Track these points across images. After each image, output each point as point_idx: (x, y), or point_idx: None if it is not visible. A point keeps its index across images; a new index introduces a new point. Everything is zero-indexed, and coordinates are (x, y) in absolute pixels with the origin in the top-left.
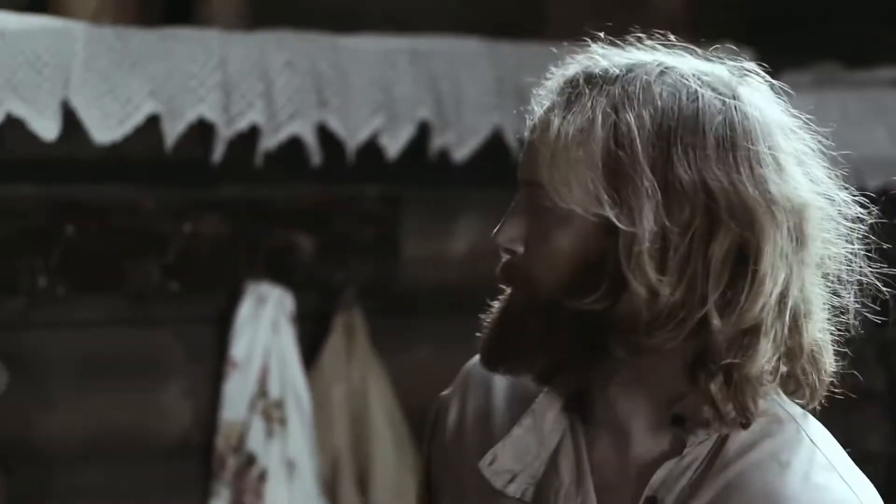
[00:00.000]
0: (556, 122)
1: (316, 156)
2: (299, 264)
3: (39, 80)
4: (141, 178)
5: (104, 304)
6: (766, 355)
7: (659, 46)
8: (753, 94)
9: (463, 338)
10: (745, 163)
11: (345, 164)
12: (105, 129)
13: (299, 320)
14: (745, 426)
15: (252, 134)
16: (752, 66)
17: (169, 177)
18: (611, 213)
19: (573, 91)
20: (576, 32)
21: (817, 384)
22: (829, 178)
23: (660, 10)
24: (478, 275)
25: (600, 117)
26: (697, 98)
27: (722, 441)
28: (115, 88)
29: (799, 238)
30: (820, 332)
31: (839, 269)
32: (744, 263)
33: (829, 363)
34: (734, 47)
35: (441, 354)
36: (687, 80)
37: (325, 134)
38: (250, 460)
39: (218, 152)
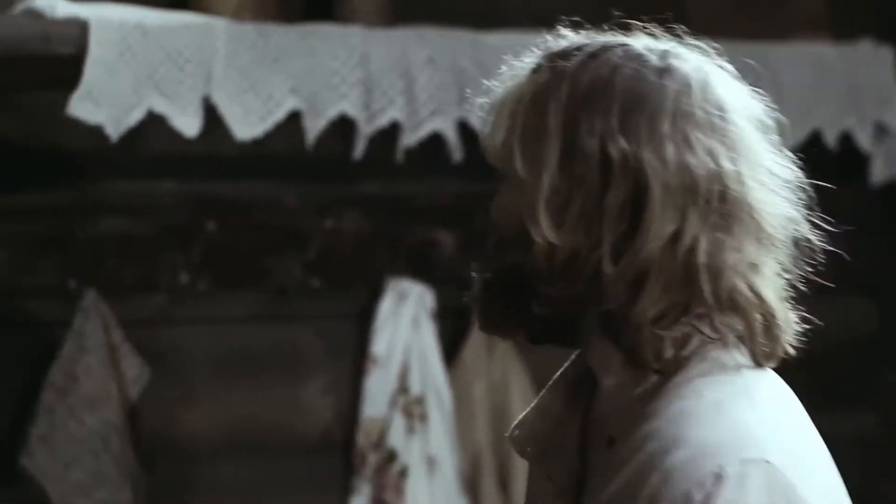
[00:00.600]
0: (502, 94)
1: (457, 152)
2: (440, 261)
3: (181, 77)
4: (282, 174)
5: (245, 300)
6: (652, 303)
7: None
8: (688, 70)
9: None
10: (646, 128)
11: (485, 161)
12: (246, 125)
13: (440, 317)
14: (658, 371)
15: (393, 130)
16: (711, 47)
17: (310, 173)
18: (520, 170)
19: (534, 68)
20: (716, 31)
21: (752, 338)
22: (774, 150)
23: (800, 7)
24: None
25: (533, 89)
26: (616, 71)
27: (666, 381)
28: (256, 85)
29: (696, 194)
30: (747, 289)
31: (776, 232)
32: (632, 217)
33: (763, 320)
34: (874, 45)
35: None
36: (616, 56)
37: (465, 130)
38: (391, 457)
39: (359, 149)
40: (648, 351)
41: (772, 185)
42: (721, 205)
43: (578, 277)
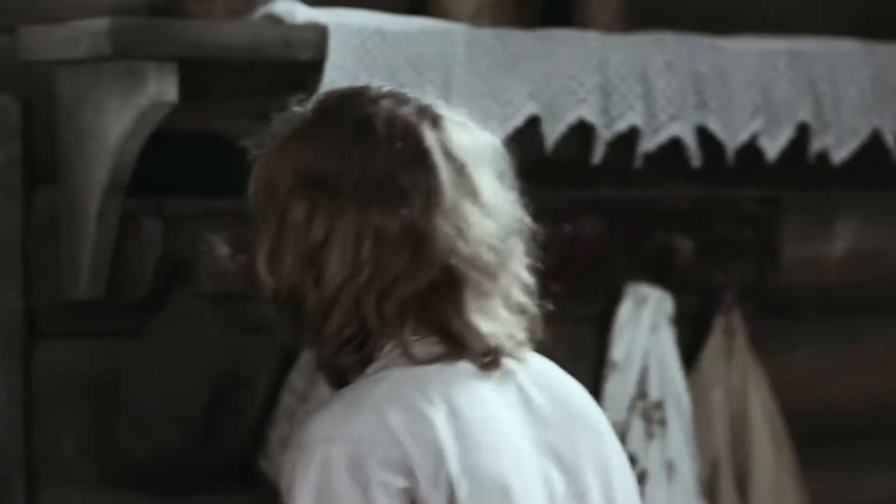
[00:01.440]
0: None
1: (696, 157)
2: (678, 266)
3: (421, 82)
4: (521, 179)
5: None
6: (335, 328)
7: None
8: (387, 123)
9: (842, 339)
10: (338, 184)
11: (724, 166)
12: (486, 130)
13: (678, 322)
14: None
15: (631, 135)
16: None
17: (549, 178)
18: (257, 220)
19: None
20: None
21: (407, 345)
22: (494, 182)
23: None
24: (857, 277)
25: (276, 146)
26: (321, 132)
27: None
28: (495, 90)
29: (370, 237)
30: (430, 309)
31: (481, 257)
32: (324, 259)
33: (447, 332)
34: None
35: (821, 356)
36: (328, 116)
37: (704, 135)
38: (631, 461)
39: (598, 154)
40: (332, 370)
41: (477, 217)
42: (399, 244)
43: (295, 312)
